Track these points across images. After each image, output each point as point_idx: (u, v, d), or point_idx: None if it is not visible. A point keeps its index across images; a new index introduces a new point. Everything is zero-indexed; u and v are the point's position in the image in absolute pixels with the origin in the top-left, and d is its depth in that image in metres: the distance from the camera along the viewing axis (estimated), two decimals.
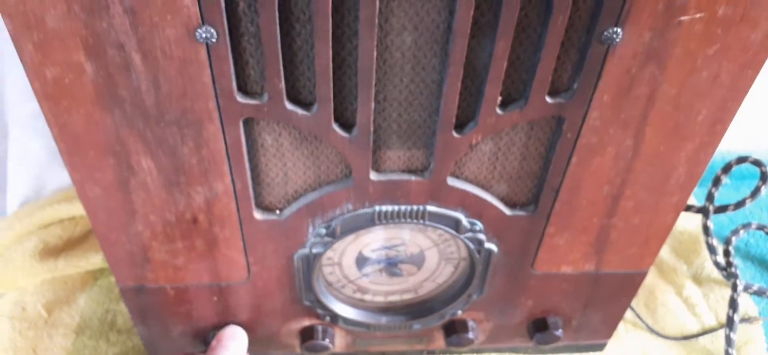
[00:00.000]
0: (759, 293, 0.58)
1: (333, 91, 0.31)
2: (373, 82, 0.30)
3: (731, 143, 0.63)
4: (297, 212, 0.37)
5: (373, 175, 0.36)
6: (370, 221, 0.38)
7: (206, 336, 0.46)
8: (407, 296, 0.47)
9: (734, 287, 0.54)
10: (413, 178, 0.36)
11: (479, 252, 0.41)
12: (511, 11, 0.28)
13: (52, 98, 0.30)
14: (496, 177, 0.37)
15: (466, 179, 0.37)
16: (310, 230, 0.39)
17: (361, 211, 0.37)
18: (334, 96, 0.32)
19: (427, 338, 0.50)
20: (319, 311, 0.45)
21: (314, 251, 0.40)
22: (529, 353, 0.53)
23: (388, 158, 0.35)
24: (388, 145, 0.35)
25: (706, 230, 0.57)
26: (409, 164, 0.36)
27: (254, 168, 0.35)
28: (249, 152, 0.34)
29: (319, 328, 0.47)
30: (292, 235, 0.39)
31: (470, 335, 0.48)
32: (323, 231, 0.38)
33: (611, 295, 0.47)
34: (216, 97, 0.30)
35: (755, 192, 0.53)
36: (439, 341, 0.50)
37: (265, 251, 0.40)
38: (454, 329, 0.48)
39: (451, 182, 0.36)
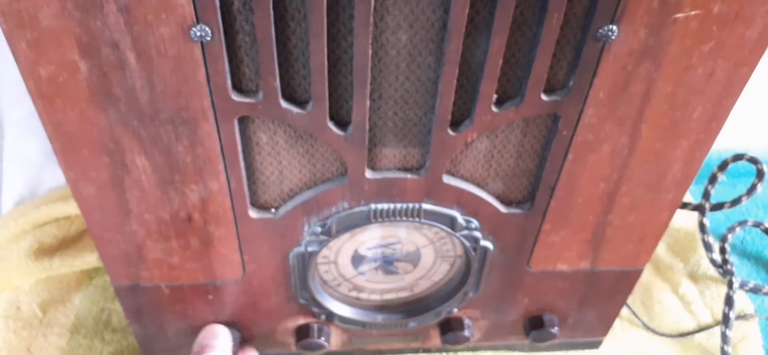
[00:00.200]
0: (755, 290, 0.58)
1: (328, 89, 0.31)
2: (369, 80, 0.30)
3: (727, 141, 0.63)
4: (292, 211, 0.37)
5: (369, 174, 0.35)
6: (366, 220, 0.38)
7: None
8: (403, 294, 0.47)
9: (730, 285, 0.55)
10: (409, 176, 0.36)
11: (475, 250, 0.41)
12: (507, 9, 0.28)
13: (47, 97, 0.30)
14: (491, 175, 0.37)
15: (462, 177, 0.37)
16: (306, 228, 0.39)
17: (357, 209, 0.37)
18: (330, 94, 0.31)
19: (423, 336, 0.50)
20: (315, 309, 0.45)
21: (310, 249, 0.40)
22: (525, 350, 0.53)
23: (383, 156, 0.35)
24: (384, 143, 0.35)
25: (702, 227, 0.57)
26: (405, 162, 0.36)
27: (249, 166, 0.35)
28: (244, 151, 0.34)
29: (315, 326, 0.47)
30: (287, 233, 0.39)
31: (466, 332, 0.48)
32: (319, 229, 0.38)
33: (607, 292, 0.47)
34: (211, 95, 0.30)
35: (751, 189, 0.53)
36: (435, 339, 0.50)
37: (260, 249, 0.40)
38: (449, 327, 0.48)
39: (447, 179, 0.36)
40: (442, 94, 0.31)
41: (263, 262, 0.41)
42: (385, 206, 0.37)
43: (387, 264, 0.44)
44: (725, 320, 0.53)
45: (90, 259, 0.56)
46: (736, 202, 0.55)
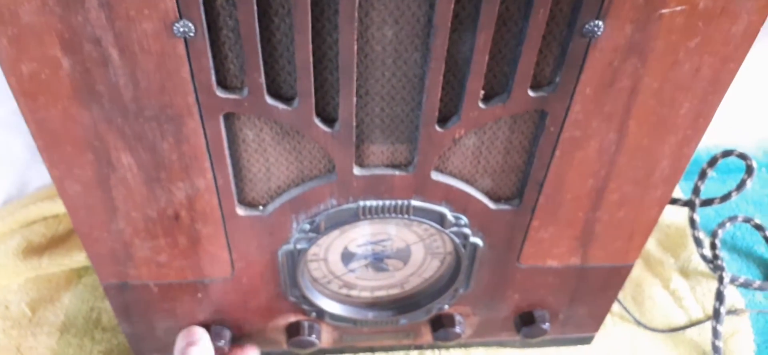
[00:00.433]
0: (745, 285, 0.58)
1: (314, 86, 0.31)
2: (355, 77, 0.30)
3: (717, 137, 0.64)
4: (280, 208, 0.37)
5: (357, 170, 0.35)
6: (355, 217, 0.38)
7: None
8: (394, 291, 0.47)
9: (721, 280, 0.55)
10: (397, 173, 0.36)
11: (465, 246, 0.41)
12: (492, 4, 0.27)
13: (29, 94, 0.29)
14: (480, 171, 0.37)
15: (450, 174, 0.37)
16: (294, 225, 0.38)
17: (345, 206, 0.37)
18: (316, 90, 0.31)
19: (414, 333, 0.50)
20: (305, 306, 0.45)
21: (298, 246, 0.40)
22: (516, 346, 0.53)
23: (371, 153, 0.35)
24: (371, 139, 0.34)
25: (692, 223, 0.57)
26: (393, 159, 0.36)
27: (236, 163, 0.35)
28: (230, 148, 0.34)
29: (306, 324, 0.47)
30: (275, 231, 0.39)
31: (457, 329, 0.48)
32: (307, 227, 0.38)
33: (597, 288, 0.47)
34: (195, 91, 0.30)
35: (741, 185, 0.53)
36: (427, 336, 0.50)
37: (248, 247, 0.40)
38: (441, 324, 0.48)
39: (435, 176, 0.36)
40: (429, 91, 0.31)
41: (252, 260, 0.41)
42: (373, 202, 0.37)
43: (377, 261, 0.44)
44: (716, 315, 0.53)
45: (79, 257, 0.56)
46: (726, 197, 0.55)
